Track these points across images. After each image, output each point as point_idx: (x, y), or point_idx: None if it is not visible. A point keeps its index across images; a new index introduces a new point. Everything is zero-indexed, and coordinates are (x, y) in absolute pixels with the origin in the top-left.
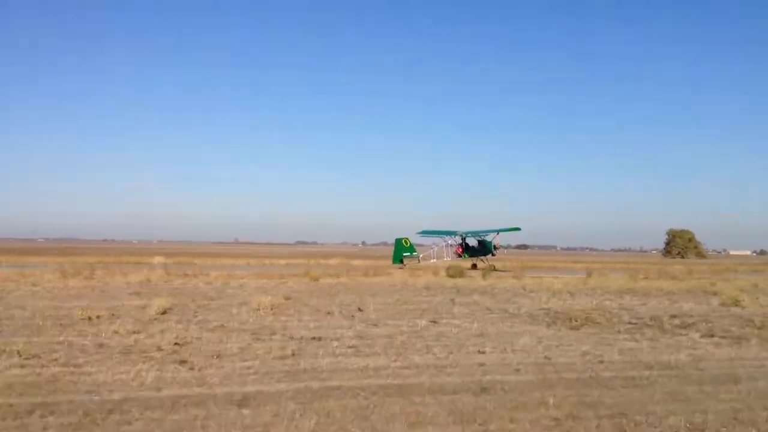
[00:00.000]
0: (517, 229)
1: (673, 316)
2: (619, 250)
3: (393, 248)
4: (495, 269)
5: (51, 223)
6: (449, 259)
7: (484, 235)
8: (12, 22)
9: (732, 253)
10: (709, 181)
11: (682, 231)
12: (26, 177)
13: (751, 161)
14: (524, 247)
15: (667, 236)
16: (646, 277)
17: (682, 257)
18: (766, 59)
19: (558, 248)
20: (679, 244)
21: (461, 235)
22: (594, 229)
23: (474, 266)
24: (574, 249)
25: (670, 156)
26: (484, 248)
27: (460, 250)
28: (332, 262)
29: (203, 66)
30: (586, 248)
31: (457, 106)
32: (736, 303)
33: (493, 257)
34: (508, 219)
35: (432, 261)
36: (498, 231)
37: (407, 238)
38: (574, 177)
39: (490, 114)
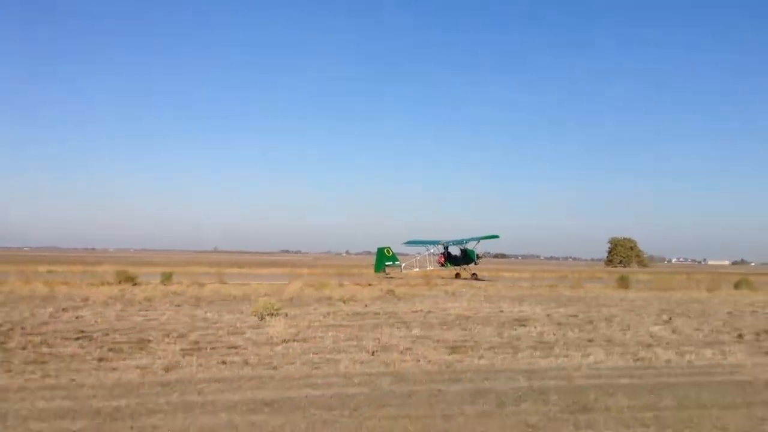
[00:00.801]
0: (496, 236)
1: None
2: (600, 260)
3: (375, 257)
4: (477, 277)
5: (37, 232)
6: (432, 268)
7: (465, 244)
8: None
9: (711, 263)
10: (701, 191)
11: (624, 239)
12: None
13: (747, 171)
14: (502, 256)
15: (609, 245)
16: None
17: (624, 266)
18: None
19: (542, 257)
20: (621, 253)
21: (443, 245)
22: (578, 238)
23: (457, 275)
24: (557, 258)
25: (656, 165)
26: (466, 257)
27: (443, 259)
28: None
29: (192, 68)
30: (569, 257)
31: (447, 116)
32: (270, 313)
33: (476, 266)
34: (494, 228)
35: (415, 270)
36: (478, 239)
37: (389, 247)
38: (558, 186)
39: (482, 124)
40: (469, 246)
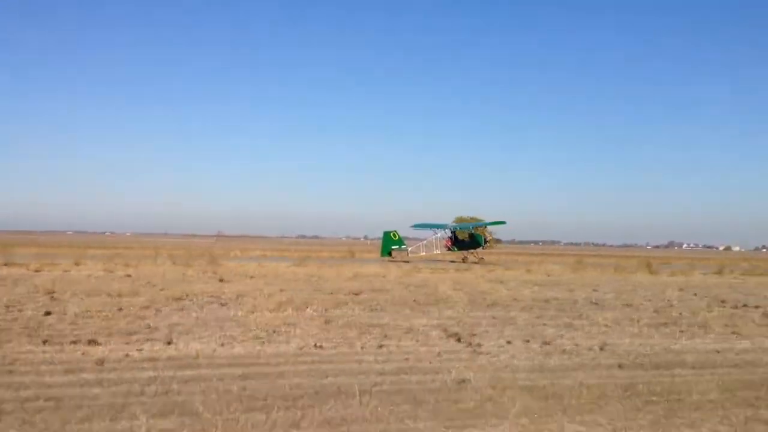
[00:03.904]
0: (503, 222)
1: None
2: (627, 246)
3: (381, 241)
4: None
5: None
6: (439, 252)
7: (472, 228)
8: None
9: (734, 248)
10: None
11: (471, 219)
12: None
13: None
14: (498, 241)
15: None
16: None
17: None
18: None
19: (562, 243)
20: (465, 233)
21: (451, 229)
22: (602, 224)
23: (464, 259)
24: (579, 244)
25: (674, 153)
26: (473, 241)
27: (450, 243)
28: None
29: (199, 60)
30: (590, 243)
31: (461, 102)
32: None
33: (483, 250)
34: (511, 213)
35: (422, 254)
36: (485, 224)
37: (396, 231)
38: (577, 173)
39: (492, 110)
40: (477, 230)
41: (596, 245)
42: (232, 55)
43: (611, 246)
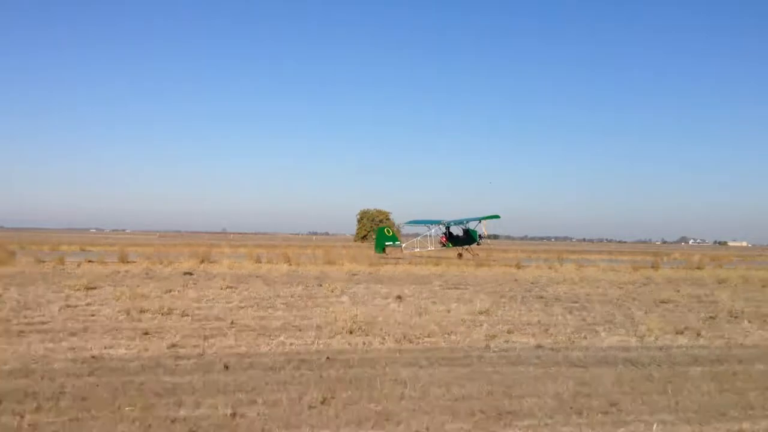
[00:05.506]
0: (497, 216)
1: None
2: (640, 242)
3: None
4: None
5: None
6: (433, 248)
7: (466, 224)
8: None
9: (731, 244)
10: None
11: (376, 211)
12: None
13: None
14: (494, 237)
15: (357, 217)
16: None
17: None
18: None
19: (574, 239)
20: (368, 226)
21: (445, 224)
22: (616, 220)
23: (460, 255)
24: (592, 240)
25: (690, 149)
26: (468, 237)
27: (444, 239)
28: None
29: (203, 54)
30: (604, 239)
31: (468, 99)
32: None
33: (478, 246)
34: (523, 209)
35: (416, 250)
36: (479, 219)
37: (389, 227)
38: (589, 171)
39: (501, 105)
40: (471, 226)
41: (609, 241)
42: (234, 53)
43: (624, 242)
